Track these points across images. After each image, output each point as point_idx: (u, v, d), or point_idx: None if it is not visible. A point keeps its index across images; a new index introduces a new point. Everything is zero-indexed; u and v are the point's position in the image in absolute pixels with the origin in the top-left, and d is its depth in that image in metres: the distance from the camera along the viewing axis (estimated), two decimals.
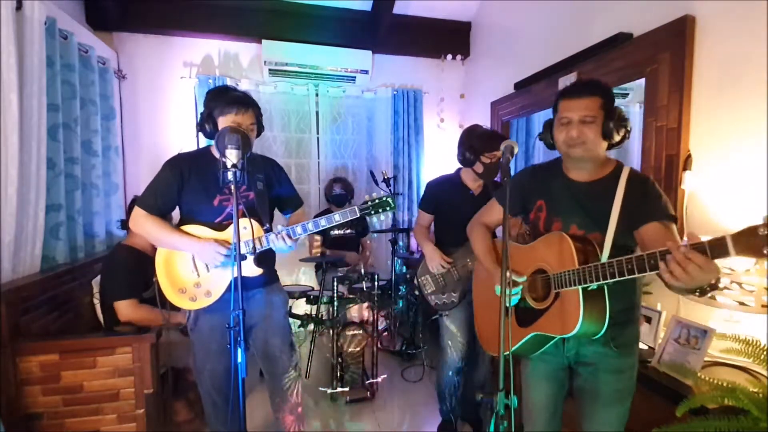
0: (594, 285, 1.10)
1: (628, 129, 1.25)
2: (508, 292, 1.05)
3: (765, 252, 0.80)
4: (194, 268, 1.57)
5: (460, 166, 2.10)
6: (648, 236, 1.16)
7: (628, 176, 1.23)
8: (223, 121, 1.51)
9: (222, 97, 1.52)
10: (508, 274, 1.08)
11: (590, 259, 1.15)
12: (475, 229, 1.54)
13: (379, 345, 2.86)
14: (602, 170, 1.28)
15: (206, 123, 1.54)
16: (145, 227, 1.55)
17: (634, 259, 1.00)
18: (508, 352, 1.06)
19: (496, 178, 2.03)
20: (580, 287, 1.12)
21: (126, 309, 2.04)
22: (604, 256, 1.16)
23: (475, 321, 1.62)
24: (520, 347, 1.33)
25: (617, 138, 1.24)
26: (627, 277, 1.02)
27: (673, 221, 1.18)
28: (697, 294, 0.99)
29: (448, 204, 2.07)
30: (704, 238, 0.92)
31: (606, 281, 1.06)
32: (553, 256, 1.23)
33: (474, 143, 1.95)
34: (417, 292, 3.08)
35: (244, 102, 1.51)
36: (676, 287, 0.98)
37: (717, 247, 0.87)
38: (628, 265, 1.01)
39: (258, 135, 1.63)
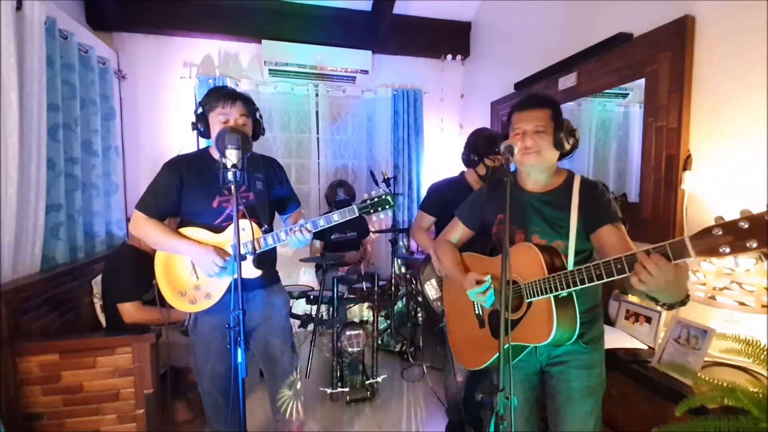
0: (564, 292, 1.13)
1: (577, 138, 1.33)
2: (504, 297, 1.06)
3: (721, 251, 0.82)
4: (193, 271, 1.56)
5: (464, 168, 2.11)
6: (603, 239, 1.23)
7: (580, 184, 1.30)
8: (213, 117, 1.52)
9: (211, 95, 1.55)
10: (504, 278, 1.07)
11: (558, 267, 1.19)
12: (441, 246, 1.58)
13: (378, 345, 2.86)
14: (556, 180, 1.35)
15: (199, 122, 1.56)
16: (144, 230, 1.54)
17: (602, 264, 1.04)
18: (507, 345, 1.07)
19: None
20: (551, 295, 1.16)
21: (130, 310, 2.05)
22: (570, 263, 1.23)
23: (448, 336, 1.62)
24: (497, 359, 1.33)
25: (567, 147, 1.31)
26: (596, 283, 1.05)
27: (622, 223, 1.26)
28: (665, 308, 1.03)
29: (453, 206, 2.06)
30: None
31: (576, 287, 1.10)
32: (522, 266, 1.25)
33: (479, 145, 1.97)
34: (420, 298, 3.09)
35: (231, 95, 1.52)
36: (646, 293, 1.01)
37: (677, 249, 0.89)
38: (596, 270, 1.05)
39: (256, 135, 1.62)
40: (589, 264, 1.07)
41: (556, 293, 1.14)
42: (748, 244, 0.79)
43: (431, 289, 2.10)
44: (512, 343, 1.27)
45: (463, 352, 1.53)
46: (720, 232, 0.82)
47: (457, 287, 1.47)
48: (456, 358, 1.58)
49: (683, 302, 1.01)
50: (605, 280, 1.03)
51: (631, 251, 0.98)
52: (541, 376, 1.41)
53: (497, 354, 1.31)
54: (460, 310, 1.50)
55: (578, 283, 1.09)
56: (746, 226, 0.79)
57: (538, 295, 1.19)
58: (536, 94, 1.36)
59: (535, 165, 1.30)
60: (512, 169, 1.30)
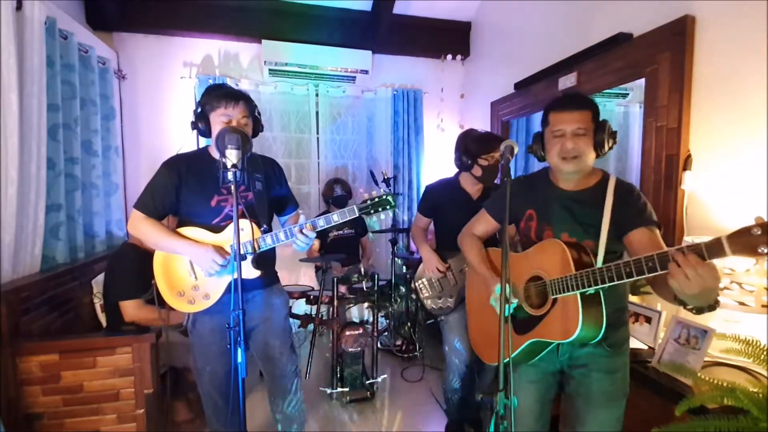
0: (592, 289, 1.12)
1: (616, 141, 1.31)
2: (507, 296, 1.05)
3: (760, 251, 0.82)
4: (192, 271, 1.56)
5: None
6: (636, 241, 1.21)
7: (615, 186, 1.28)
8: (214, 117, 1.51)
9: (212, 93, 1.53)
10: (505, 279, 1.07)
11: (585, 264, 1.18)
12: (466, 239, 1.56)
13: (379, 345, 2.86)
14: (589, 180, 1.33)
15: (199, 121, 1.55)
16: (142, 230, 1.53)
17: (632, 262, 1.02)
18: (508, 357, 1.06)
19: (496, 181, 2.02)
20: (578, 292, 1.14)
21: (132, 309, 2.05)
22: (599, 262, 1.20)
23: (469, 330, 1.62)
24: (518, 355, 1.32)
25: (606, 149, 1.29)
26: (625, 281, 1.04)
27: (657, 227, 1.23)
28: (693, 311, 1.00)
29: (447, 208, 2.05)
30: (704, 239, 0.93)
31: (604, 285, 1.08)
32: (548, 262, 1.24)
33: (470, 146, 1.94)
34: (414, 296, 3.09)
35: (233, 95, 1.50)
36: (675, 298, 0.99)
37: (713, 248, 0.88)
38: (626, 268, 1.03)
39: (255, 133, 1.61)
40: (619, 261, 1.05)
41: (583, 290, 1.12)
42: None
43: (422, 288, 2.10)
44: (535, 339, 1.26)
45: (484, 346, 1.52)
46: (759, 232, 0.82)
47: (480, 281, 1.46)
48: (477, 351, 1.57)
49: (713, 307, 0.97)
50: (635, 278, 1.01)
51: (664, 250, 0.96)
52: (560, 377, 1.39)
53: (519, 349, 1.30)
54: (483, 305, 1.47)
55: (606, 281, 1.07)
56: None
57: (563, 292, 1.17)
58: (577, 93, 1.34)
59: (574, 171, 1.28)
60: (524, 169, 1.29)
